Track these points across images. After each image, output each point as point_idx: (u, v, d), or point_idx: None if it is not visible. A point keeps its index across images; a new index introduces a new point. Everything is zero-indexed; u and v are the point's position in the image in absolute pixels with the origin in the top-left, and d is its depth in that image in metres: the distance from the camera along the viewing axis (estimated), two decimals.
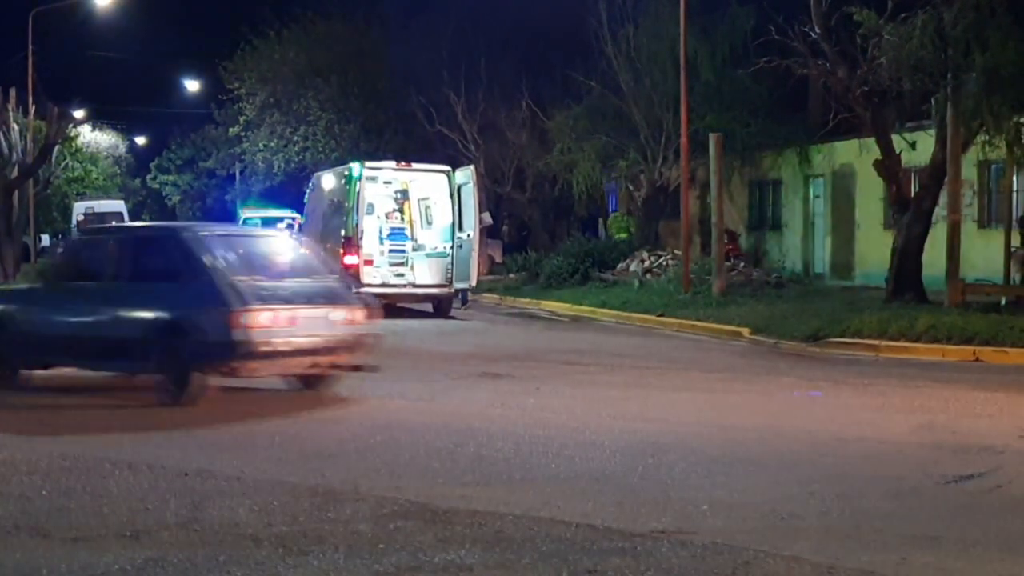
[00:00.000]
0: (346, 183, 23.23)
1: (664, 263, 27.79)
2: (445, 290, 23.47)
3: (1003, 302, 19.32)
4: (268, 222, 31.79)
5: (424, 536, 6.30)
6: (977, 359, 14.78)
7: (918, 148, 22.09)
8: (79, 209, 48.54)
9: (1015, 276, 19.78)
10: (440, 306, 23.67)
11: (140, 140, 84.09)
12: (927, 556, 5.97)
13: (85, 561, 5.86)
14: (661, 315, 21.36)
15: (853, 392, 12.09)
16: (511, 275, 30.77)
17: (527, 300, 27.15)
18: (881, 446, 9.09)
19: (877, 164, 22.21)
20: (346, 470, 8.05)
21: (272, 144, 45.13)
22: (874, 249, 26.84)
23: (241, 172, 55.95)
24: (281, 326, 10.91)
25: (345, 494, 7.27)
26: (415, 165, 24.72)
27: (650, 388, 12.45)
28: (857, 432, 9.71)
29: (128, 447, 8.94)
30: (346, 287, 12.25)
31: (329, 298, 11.71)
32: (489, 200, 35.66)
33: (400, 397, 11.82)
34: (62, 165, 63.79)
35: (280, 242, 13.67)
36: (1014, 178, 21.85)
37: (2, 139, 32.51)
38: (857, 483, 7.68)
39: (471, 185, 23.22)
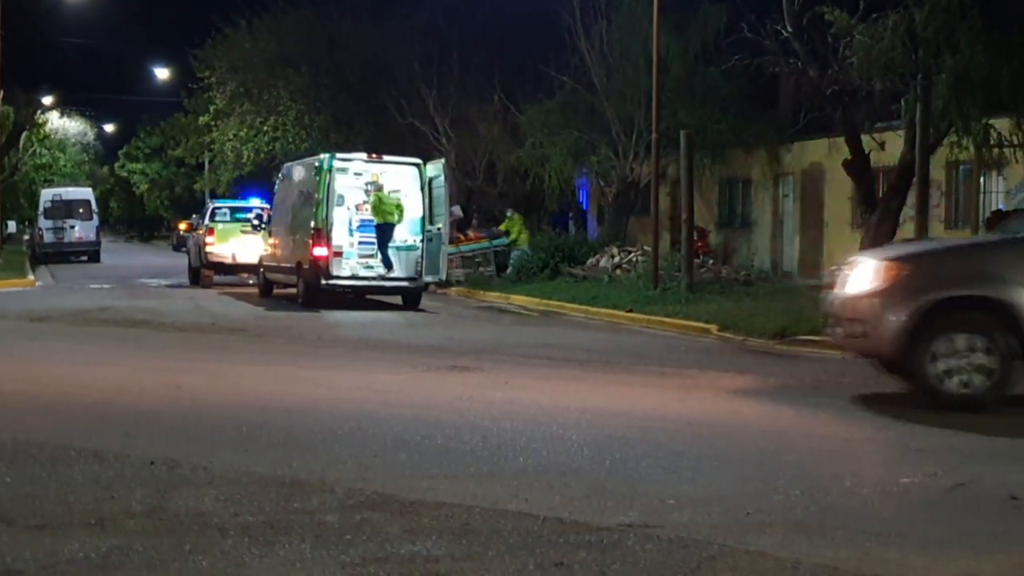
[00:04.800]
0: (316, 174, 23.19)
1: (634, 259, 27.86)
2: (415, 283, 23.46)
3: None
4: (236, 212, 31.58)
5: (391, 527, 6.30)
6: None
7: (887, 148, 22.28)
8: (46, 196, 48.21)
9: None
10: (409, 299, 23.65)
11: (109, 127, 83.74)
12: (891, 552, 6.02)
13: (49, 548, 5.83)
14: (630, 311, 21.41)
15: (821, 391, 12.15)
16: (481, 269, 30.80)
17: (496, 294, 27.16)
18: (846, 443, 9.15)
19: (846, 163, 22.36)
20: (313, 461, 8.03)
21: (242, 134, 44.93)
22: (842, 248, 26.93)
23: (210, 161, 55.67)
24: None
25: (312, 485, 7.26)
26: (386, 157, 24.67)
27: (618, 383, 12.48)
28: (823, 430, 9.78)
29: (94, 435, 8.89)
30: None
31: None
32: (460, 193, 35.64)
33: (368, 389, 11.79)
34: (30, 152, 63.42)
35: None
36: (981, 179, 22.01)
37: None
38: (822, 480, 7.72)
39: (442, 178, 23.21)
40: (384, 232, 23.18)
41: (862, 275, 11.12)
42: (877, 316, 10.74)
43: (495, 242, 31.22)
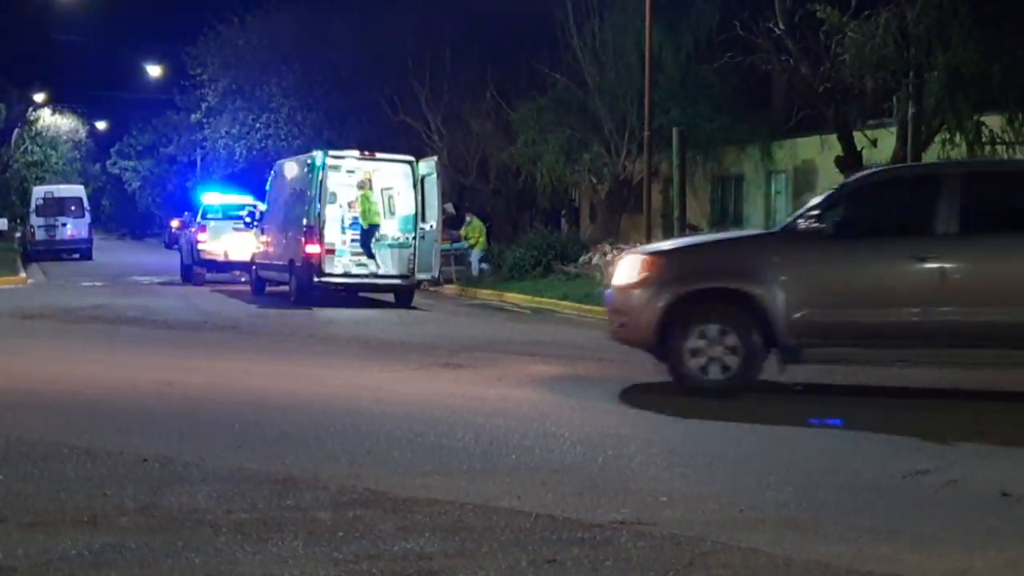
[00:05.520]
0: (309, 171, 23.18)
1: None
2: (407, 280, 23.46)
3: None
4: (229, 209, 31.56)
5: (384, 524, 6.30)
6: None
7: (879, 145, 22.28)
8: (38, 194, 48.11)
9: None
10: (401, 296, 23.65)
11: (101, 125, 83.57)
12: (883, 549, 6.03)
13: (42, 545, 5.82)
14: None
15: (813, 388, 12.17)
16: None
17: (489, 292, 27.17)
18: (839, 440, 9.17)
19: (839, 161, 22.42)
20: (306, 458, 8.03)
21: (234, 131, 44.94)
22: None
23: (202, 159, 55.65)
24: None
25: (305, 482, 7.26)
26: (379, 155, 24.68)
27: (610, 381, 12.47)
28: (818, 427, 9.80)
29: (86, 433, 8.89)
30: None
31: None
32: (452, 191, 35.62)
33: (361, 386, 11.79)
34: (21, 149, 63.38)
35: None
36: None
37: None
38: (814, 476, 7.74)
39: (435, 176, 23.21)
40: (369, 233, 23.27)
41: (624, 269, 11.74)
42: (636, 307, 11.39)
43: (455, 245, 31.02)
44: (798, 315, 10.90)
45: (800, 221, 11.41)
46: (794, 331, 10.93)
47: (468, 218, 32.24)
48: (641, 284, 11.39)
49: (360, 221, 23.46)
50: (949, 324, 10.70)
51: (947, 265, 10.77)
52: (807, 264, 11.14)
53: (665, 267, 11.54)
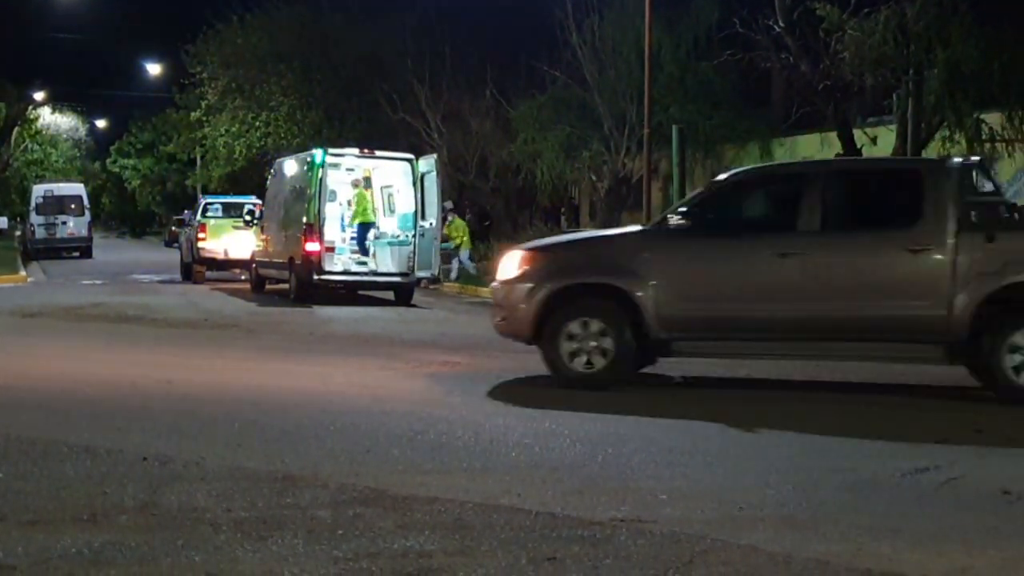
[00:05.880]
0: (308, 170, 23.17)
1: None
2: (407, 278, 23.45)
3: None
4: (229, 207, 31.55)
5: (383, 522, 6.30)
6: None
7: (879, 143, 22.29)
8: (38, 192, 48.11)
9: None
10: (401, 294, 23.64)
11: (100, 123, 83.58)
12: (883, 547, 6.03)
13: (42, 544, 5.82)
14: None
15: (812, 385, 12.17)
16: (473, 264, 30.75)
17: (489, 290, 27.08)
18: (838, 439, 9.17)
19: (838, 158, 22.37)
20: (306, 456, 8.03)
21: (234, 129, 44.91)
22: None
23: (202, 157, 55.63)
24: None
25: (304, 480, 7.26)
26: (378, 153, 24.68)
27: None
28: (817, 425, 9.78)
29: (86, 431, 8.89)
30: None
31: None
32: (452, 189, 35.63)
33: (360, 384, 11.79)
34: (21, 147, 63.34)
35: None
36: None
37: None
38: (814, 475, 7.73)
39: (434, 174, 23.20)
40: (365, 230, 23.29)
41: (506, 265, 12.10)
42: (515, 302, 11.72)
43: (442, 245, 30.88)
44: (667, 310, 11.23)
45: (670, 218, 11.75)
46: (664, 325, 11.25)
47: (450, 218, 32.16)
48: (520, 279, 11.73)
49: (355, 218, 23.47)
50: (810, 318, 10.99)
51: (808, 261, 11.03)
52: (676, 260, 11.44)
53: (542, 263, 11.88)
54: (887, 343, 10.97)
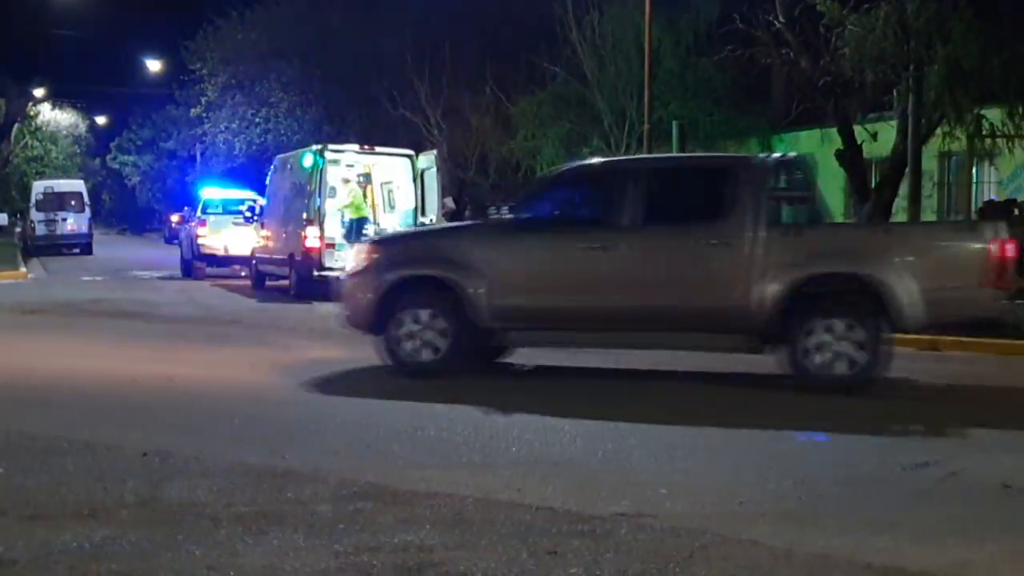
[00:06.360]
0: (308, 166, 23.14)
1: None
2: None
3: None
4: (229, 204, 31.55)
5: (384, 517, 6.31)
6: (934, 348, 14.90)
7: (879, 139, 22.25)
8: (38, 188, 48.05)
9: None
10: None
11: (100, 120, 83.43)
12: (883, 541, 6.03)
13: (43, 538, 5.83)
14: None
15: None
16: None
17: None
18: (838, 434, 9.17)
19: (839, 154, 22.35)
20: (306, 451, 8.04)
21: (234, 126, 44.88)
22: None
23: (202, 153, 55.60)
24: None
25: (305, 475, 7.26)
26: (378, 149, 24.65)
27: (608, 375, 12.49)
28: (815, 422, 9.79)
29: (87, 427, 8.89)
30: None
31: None
32: (452, 185, 35.59)
33: (360, 380, 11.80)
34: (21, 144, 63.35)
35: None
36: (973, 170, 22.04)
37: None
38: (814, 469, 7.74)
39: (434, 170, 23.19)
40: (361, 225, 23.27)
41: (352, 258, 12.65)
42: (358, 293, 12.21)
43: None
44: (497, 301, 11.62)
45: (502, 212, 12.25)
46: (494, 316, 11.66)
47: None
48: (363, 272, 12.20)
49: (348, 215, 23.43)
50: (628, 309, 11.41)
51: (624, 254, 11.46)
52: (504, 253, 11.79)
53: (382, 256, 12.30)
54: (700, 333, 11.34)
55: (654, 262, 11.48)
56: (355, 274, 12.36)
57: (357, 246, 13.01)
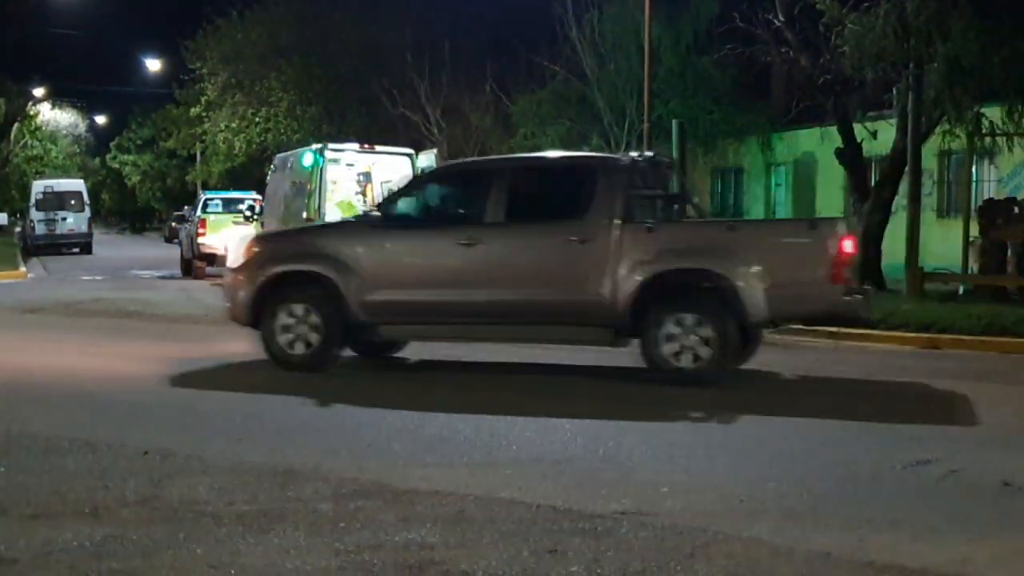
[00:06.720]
0: (309, 165, 23.14)
1: None
2: None
3: (961, 291, 19.53)
4: (229, 203, 31.56)
5: (385, 515, 6.31)
6: (934, 347, 14.92)
7: (879, 137, 22.27)
8: (38, 188, 48.05)
9: (973, 265, 19.97)
10: None
11: (100, 119, 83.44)
12: (885, 538, 6.03)
13: (44, 537, 5.83)
14: None
15: (813, 379, 12.19)
16: None
17: None
18: (839, 432, 9.17)
19: (838, 152, 22.37)
20: (307, 450, 8.04)
21: (234, 125, 44.87)
22: None
23: (202, 153, 55.60)
24: None
25: (306, 473, 7.26)
26: (378, 147, 24.64)
27: (609, 373, 12.48)
28: (817, 419, 9.79)
29: (87, 426, 8.89)
30: None
31: None
32: None
33: (361, 378, 11.80)
34: (21, 143, 63.29)
35: None
36: (973, 168, 22.04)
37: None
38: (815, 467, 7.74)
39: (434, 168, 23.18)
40: None
41: (233, 253, 12.77)
42: (237, 288, 12.57)
43: None
44: (368, 296, 11.92)
45: (373, 210, 12.74)
46: (365, 310, 11.95)
47: None
48: (243, 268, 12.57)
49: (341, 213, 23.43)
50: (495, 303, 11.68)
51: (490, 250, 11.77)
52: (374, 249, 12.12)
53: (260, 251, 12.66)
54: (563, 326, 11.69)
55: (517, 257, 11.83)
56: (237, 270, 12.71)
57: (240, 242, 13.33)
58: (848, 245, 11.12)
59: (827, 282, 11.04)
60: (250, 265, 12.49)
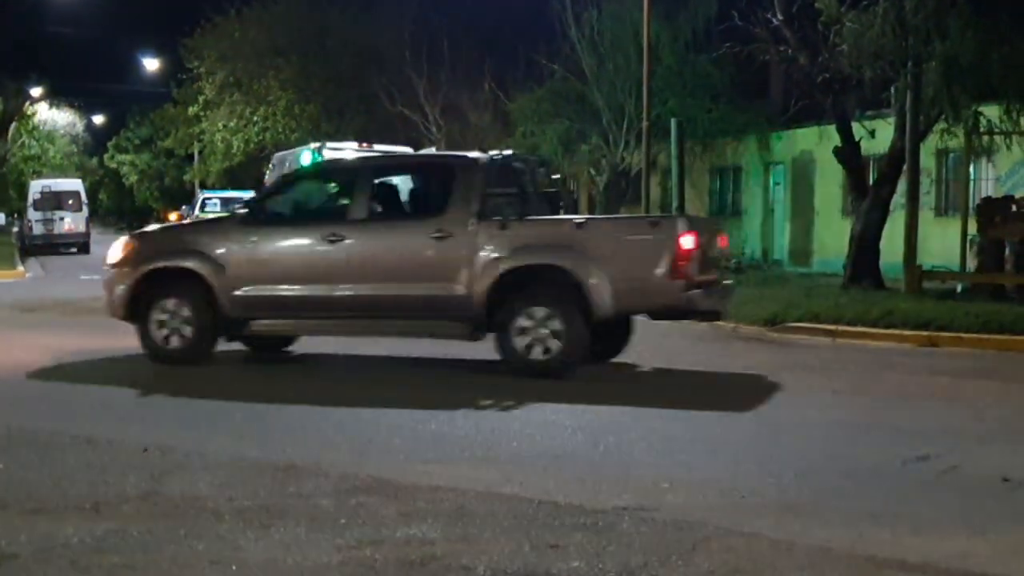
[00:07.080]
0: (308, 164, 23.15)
1: None
2: None
3: (959, 289, 19.53)
4: (227, 202, 31.58)
5: (386, 511, 6.31)
6: (933, 344, 14.93)
7: (877, 136, 22.27)
8: (35, 188, 47.99)
9: (970, 263, 19.99)
10: None
11: (98, 119, 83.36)
12: (884, 533, 6.04)
13: (45, 532, 5.84)
14: None
15: (812, 376, 12.19)
16: None
17: None
18: (838, 428, 9.18)
19: (837, 151, 22.38)
20: (307, 446, 8.05)
21: (232, 124, 44.86)
22: (833, 236, 27.05)
23: (200, 152, 55.58)
24: None
25: (307, 469, 7.27)
26: (377, 146, 24.66)
27: (609, 372, 12.50)
28: (817, 415, 9.80)
29: (87, 422, 8.90)
30: None
31: None
32: None
33: (362, 375, 11.82)
34: (18, 143, 63.25)
35: None
36: (971, 167, 22.05)
37: None
38: (815, 463, 7.75)
39: None
40: None
41: (112, 251, 13.05)
42: (114, 284, 12.76)
43: None
44: (238, 291, 12.24)
45: (244, 207, 13.06)
46: (235, 305, 12.27)
47: None
48: (119, 264, 12.79)
49: None
50: (359, 297, 12.00)
51: (355, 246, 12.03)
52: (244, 246, 12.35)
53: (137, 249, 12.89)
54: (424, 320, 11.99)
55: (380, 254, 12.08)
56: (113, 266, 12.86)
57: (118, 240, 13.51)
58: (687, 242, 11.31)
59: (667, 278, 11.30)
60: (128, 262, 12.74)
